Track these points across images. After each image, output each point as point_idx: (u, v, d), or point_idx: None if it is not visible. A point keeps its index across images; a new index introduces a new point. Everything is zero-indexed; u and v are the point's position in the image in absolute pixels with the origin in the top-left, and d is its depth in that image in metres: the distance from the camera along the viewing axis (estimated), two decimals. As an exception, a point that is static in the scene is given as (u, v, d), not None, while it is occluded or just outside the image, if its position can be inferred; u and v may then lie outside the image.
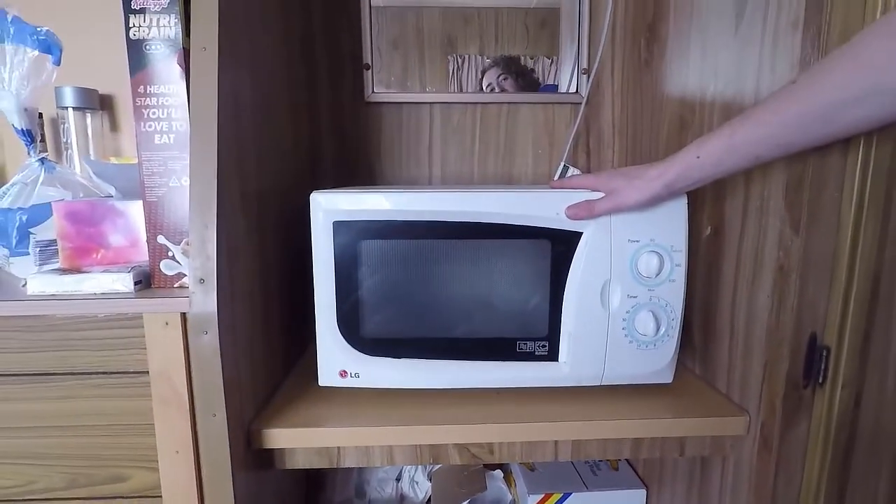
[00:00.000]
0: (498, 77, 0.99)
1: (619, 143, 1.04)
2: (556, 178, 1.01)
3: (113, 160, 0.89)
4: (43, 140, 0.79)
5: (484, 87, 1.00)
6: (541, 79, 1.00)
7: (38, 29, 0.67)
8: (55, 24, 0.70)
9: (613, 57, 1.01)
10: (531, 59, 1.00)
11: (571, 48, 1.00)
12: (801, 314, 0.57)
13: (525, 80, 1.00)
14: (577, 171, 1.00)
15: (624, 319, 0.64)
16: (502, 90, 1.00)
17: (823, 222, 0.55)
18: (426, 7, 0.98)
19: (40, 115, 0.77)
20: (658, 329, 0.63)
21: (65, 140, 0.88)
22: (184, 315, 0.52)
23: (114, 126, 0.98)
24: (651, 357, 0.65)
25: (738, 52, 0.66)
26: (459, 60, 0.99)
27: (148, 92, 0.54)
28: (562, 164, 1.00)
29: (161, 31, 0.54)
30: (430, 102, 1.01)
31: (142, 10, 0.54)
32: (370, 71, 0.99)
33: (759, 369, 0.62)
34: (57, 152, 0.93)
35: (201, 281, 0.50)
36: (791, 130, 0.48)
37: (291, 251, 0.75)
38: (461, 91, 1.00)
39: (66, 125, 0.88)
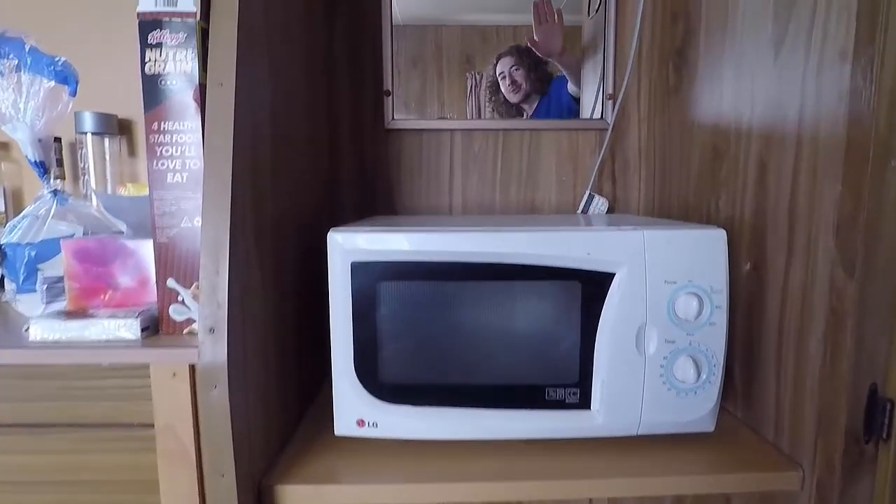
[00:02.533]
0: (510, 67, 0.97)
1: (646, 169, 1.00)
2: (581, 207, 0.97)
3: (129, 186, 0.87)
4: (61, 165, 0.77)
5: (497, 75, 0.97)
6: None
7: (56, 59, 0.66)
8: (73, 51, 0.69)
9: (640, 81, 0.98)
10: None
11: (595, 70, 0.97)
12: (859, 363, 0.52)
13: (537, 72, 0.97)
14: (603, 200, 0.96)
15: (661, 366, 0.59)
16: (513, 81, 0.97)
17: (882, 262, 0.50)
18: (446, 25, 0.97)
19: (58, 139, 0.76)
20: (699, 376, 0.59)
21: (82, 165, 0.87)
22: (192, 366, 0.49)
23: (132, 150, 0.97)
24: (691, 405, 0.60)
25: (778, 80, 0.62)
26: (477, 77, 0.97)
27: (162, 129, 0.52)
28: (587, 192, 0.97)
29: (177, 65, 0.52)
30: (451, 129, 0.99)
31: (158, 45, 0.51)
32: (391, 97, 0.97)
33: (813, 420, 0.57)
34: (74, 177, 0.92)
35: (211, 331, 0.47)
36: None
37: (307, 287, 0.72)
38: (479, 114, 0.98)
39: (84, 150, 0.87)
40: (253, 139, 0.53)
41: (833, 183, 0.53)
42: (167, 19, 0.51)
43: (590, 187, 0.98)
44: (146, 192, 0.54)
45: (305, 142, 0.76)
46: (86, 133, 0.87)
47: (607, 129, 0.98)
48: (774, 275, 0.63)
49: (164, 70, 0.52)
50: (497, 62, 0.97)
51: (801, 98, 0.58)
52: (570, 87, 0.98)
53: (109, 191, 0.89)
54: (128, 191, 0.87)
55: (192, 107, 0.52)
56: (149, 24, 0.51)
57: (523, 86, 0.98)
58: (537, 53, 0.97)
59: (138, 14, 0.52)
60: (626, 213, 0.96)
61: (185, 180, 0.52)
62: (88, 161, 0.88)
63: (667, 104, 0.95)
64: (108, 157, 0.89)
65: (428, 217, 0.92)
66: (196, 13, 0.51)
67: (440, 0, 0.96)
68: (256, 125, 0.55)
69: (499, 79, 0.98)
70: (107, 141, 0.89)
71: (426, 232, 0.58)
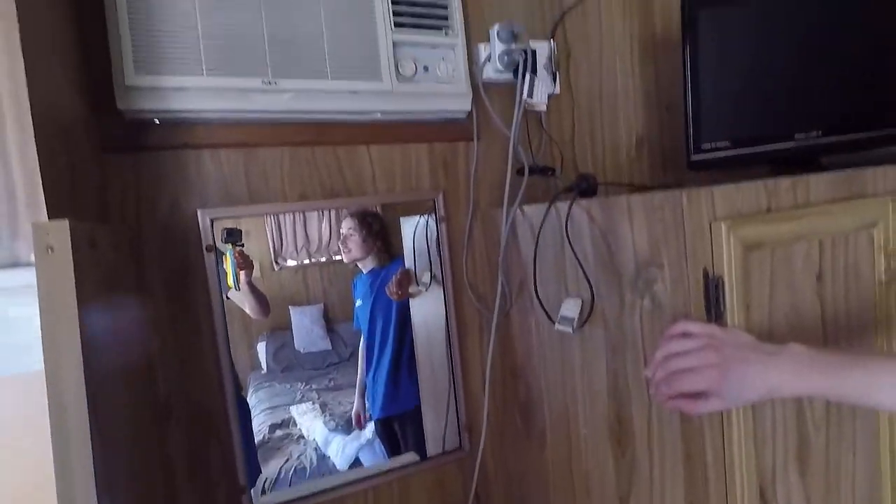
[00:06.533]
0: (349, 229, 0.97)
1: (505, 492, 1.08)
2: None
3: None
4: None
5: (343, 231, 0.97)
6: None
7: None
8: None
9: (489, 418, 1.04)
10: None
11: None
12: None
13: (383, 240, 1.00)
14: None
15: None
16: (345, 243, 0.97)
17: None
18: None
19: None
20: None
21: None
22: None
23: None
24: None
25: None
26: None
27: None
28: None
29: None
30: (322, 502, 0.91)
31: None
32: (247, 495, 0.85)
33: None
34: None
35: None
36: None
37: None
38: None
39: None
40: None
41: None
42: None
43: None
44: None
45: None
46: None
47: (466, 458, 1.04)
48: None
49: None
50: (344, 220, 0.98)
51: None
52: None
53: None
54: None
55: None
56: None
57: (352, 251, 0.99)
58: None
59: None
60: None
61: None
62: None
63: (517, 443, 1.06)
64: None
65: None
66: None
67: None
68: None
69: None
70: None
71: None
